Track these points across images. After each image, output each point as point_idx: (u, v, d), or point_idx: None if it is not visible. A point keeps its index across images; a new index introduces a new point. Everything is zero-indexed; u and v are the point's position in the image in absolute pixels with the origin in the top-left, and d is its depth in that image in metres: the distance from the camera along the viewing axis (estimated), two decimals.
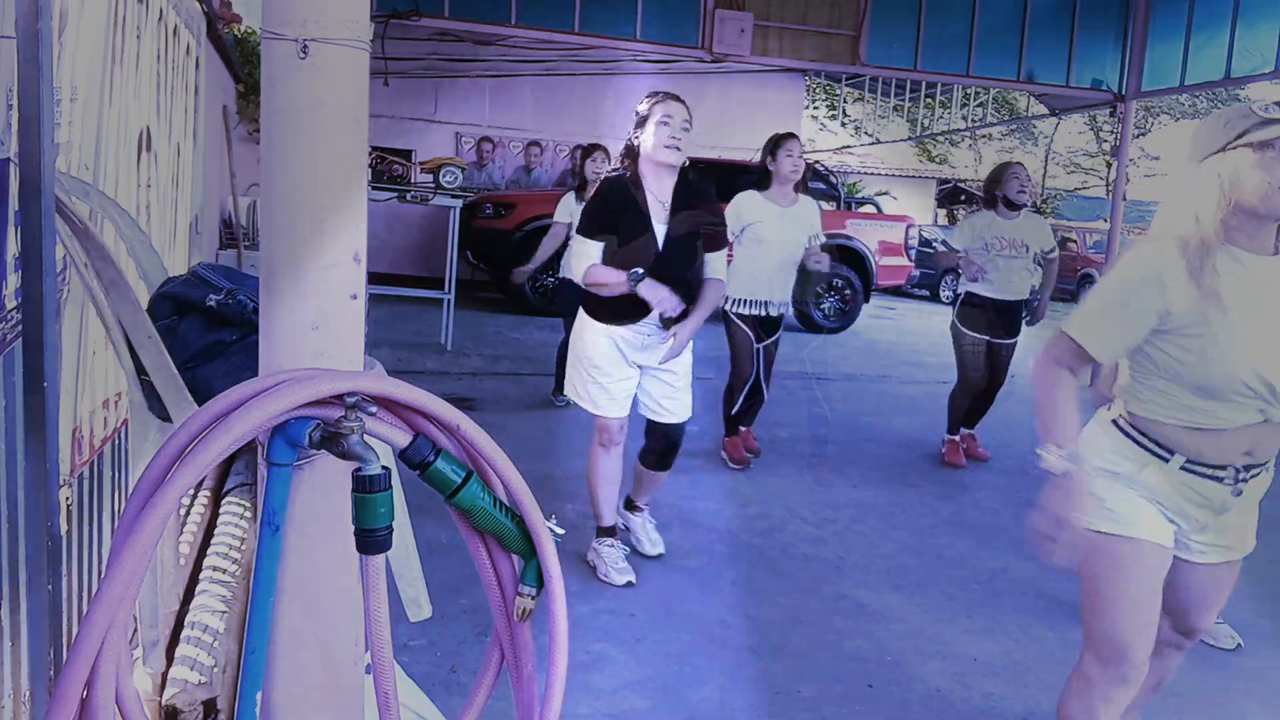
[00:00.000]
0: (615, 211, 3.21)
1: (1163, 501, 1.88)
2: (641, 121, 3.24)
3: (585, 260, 3.20)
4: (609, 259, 3.17)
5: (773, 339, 4.75)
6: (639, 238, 3.20)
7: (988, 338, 5.01)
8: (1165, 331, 1.81)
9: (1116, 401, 1.96)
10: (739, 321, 4.65)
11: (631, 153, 3.28)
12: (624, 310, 3.20)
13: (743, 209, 4.57)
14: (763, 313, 4.63)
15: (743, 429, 4.99)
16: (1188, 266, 1.76)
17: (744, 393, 4.76)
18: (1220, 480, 1.84)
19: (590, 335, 3.30)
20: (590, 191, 5.48)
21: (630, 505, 3.63)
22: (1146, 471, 1.87)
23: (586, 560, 3.40)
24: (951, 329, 5.14)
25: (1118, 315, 1.84)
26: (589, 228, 3.22)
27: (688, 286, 3.26)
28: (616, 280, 3.13)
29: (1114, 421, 1.94)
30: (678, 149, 3.18)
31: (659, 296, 3.11)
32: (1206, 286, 1.74)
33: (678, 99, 3.24)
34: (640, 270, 3.11)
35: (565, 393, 3.51)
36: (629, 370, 3.31)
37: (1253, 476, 1.86)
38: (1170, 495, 1.88)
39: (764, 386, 4.84)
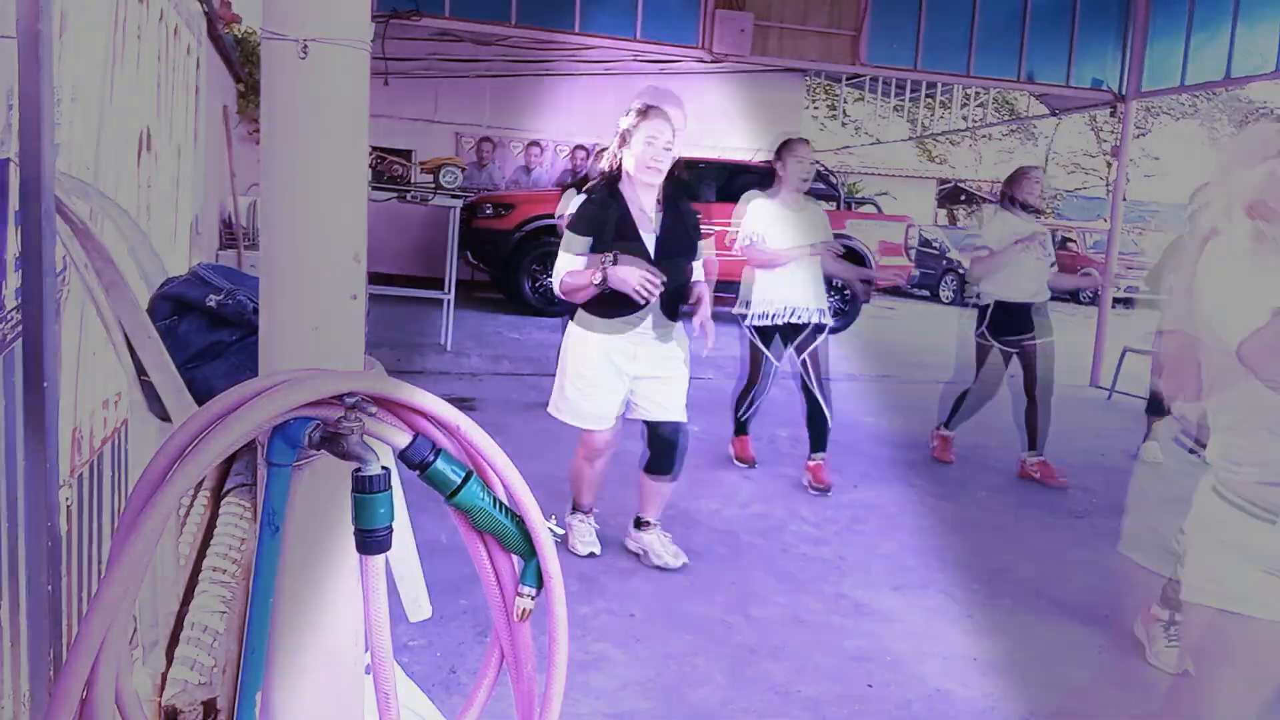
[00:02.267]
0: (600, 227, 3.17)
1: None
2: (625, 138, 3.18)
3: (562, 272, 3.17)
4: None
5: (811, 348, 4.45)
6: (629, 252, 3.15)
7: (1016, 345, 4.86)
8: None
9: (1212, 468, 1.79)
10: (755, 336, 4.54)
11: (614, 166, 3.23)
12: (621, 307, 3.15)
13: (753, 217, 4.43)
14: (790, 320, 4.45)
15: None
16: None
17: (753, 400, 4.74)
18: None
19: (581, 348, 3.26)
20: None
21: (640, 524, 3.52)
22: (1253, 535, 1.68)
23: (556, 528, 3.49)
24: (978, 337, 4.97)
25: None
26: (573, 243, 3.18)
27: (678, 293, 3.26)
28: (587, 280, 3.07)
29: (1214, 489, 1.77)
30: (659, 169, 3.16)
31: (633, 283, 3.01)
32: None
33: (663, 114, 3.14)
34: (611, 255, 3.06)
35: (549, 409, 3.42)
36: (617, 384, 3.26)
37: None
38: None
39: (821, 401, 4.47)
